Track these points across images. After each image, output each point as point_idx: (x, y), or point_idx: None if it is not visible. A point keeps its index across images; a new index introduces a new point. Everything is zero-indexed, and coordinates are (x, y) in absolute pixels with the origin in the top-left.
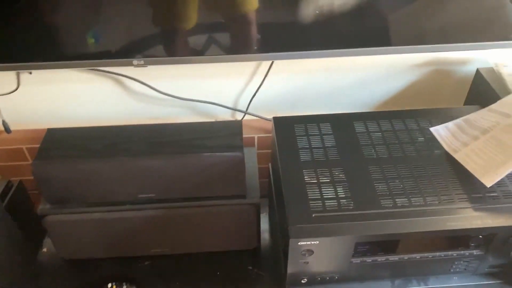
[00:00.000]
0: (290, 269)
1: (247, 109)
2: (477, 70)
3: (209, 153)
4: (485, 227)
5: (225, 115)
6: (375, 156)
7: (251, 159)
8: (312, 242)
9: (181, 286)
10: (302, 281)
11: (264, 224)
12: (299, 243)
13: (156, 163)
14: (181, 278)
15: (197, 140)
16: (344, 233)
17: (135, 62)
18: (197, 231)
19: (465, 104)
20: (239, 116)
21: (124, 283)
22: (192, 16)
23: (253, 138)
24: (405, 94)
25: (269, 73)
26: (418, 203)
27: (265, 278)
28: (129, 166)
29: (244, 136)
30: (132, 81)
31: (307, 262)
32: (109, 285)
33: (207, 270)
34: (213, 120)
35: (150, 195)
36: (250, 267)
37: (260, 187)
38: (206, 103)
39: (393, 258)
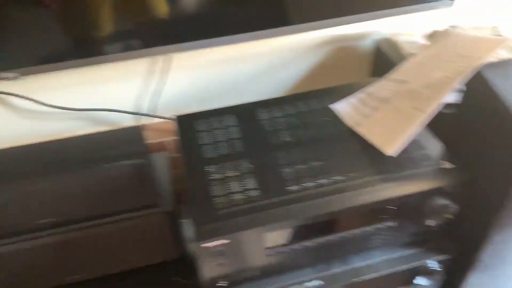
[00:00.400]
0: (205, 274)
1: (151, 112)
2: (376, 42)
3: (109, 164)
4: (394, 197)
5: (129, 122)
6: (281, 142)
7: (162, 164)
8: (221, 242)
9: None
10: (219, 285)
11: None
12: (204, 245)
13: (51, 184)
14: None
15: (96, 152)
16: (251, 227)
17: (2, 75)
18: (111, 249)
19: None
20: (145, 121)
21: None
22: None
23: (162, 142)
24: (311, 76)
25: (171, 70)
26: (325, 183)
27: (191, 287)
28: (21, 190)
29: (153, 141)
30: (16, 98)
31: (221, 264)
32: None
33: None
34: (116, 128)
35: (50, 219)
36: (174, 278)
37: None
38: (103, 111)
39: (308, 243)
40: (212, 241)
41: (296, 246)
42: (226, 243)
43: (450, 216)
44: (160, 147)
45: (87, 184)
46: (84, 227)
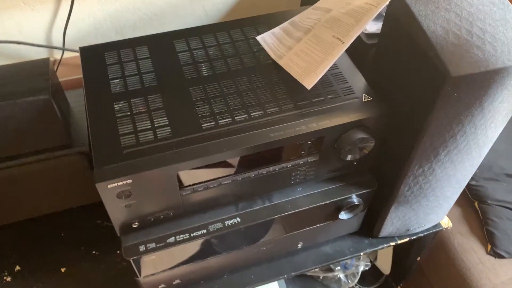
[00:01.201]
0: (113, 216)
1: (63, 45)
2: None
3: (6, 102)
4: (310, 132)
5: (41, 56)
6: (196, 76)
7: (80, 102)
8: (124, 182)
9: (19, 259)
10: (134, 226)
11: None
12: (108, 186)
13: None
14: (18, 249)
15: None
16: (159, 165)
17: None
18: (27, 193)
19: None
20: (59, 56)
21: None
22: None
23: (78, 79)
24: (240, 5)
25: None
26: (242, 119)
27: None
28: None
29: (69, 77)
30: None
31: (130, 205)
32: None
33: (48, 234)
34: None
35: None
36: (99, 221)
37: None
38: (8, 43)
39: (225, 181)
40: (115, 182)
41: (212, 184)
42: (130, 183)
43: (368, 150)
44: (76, 84)
45: None
46: None
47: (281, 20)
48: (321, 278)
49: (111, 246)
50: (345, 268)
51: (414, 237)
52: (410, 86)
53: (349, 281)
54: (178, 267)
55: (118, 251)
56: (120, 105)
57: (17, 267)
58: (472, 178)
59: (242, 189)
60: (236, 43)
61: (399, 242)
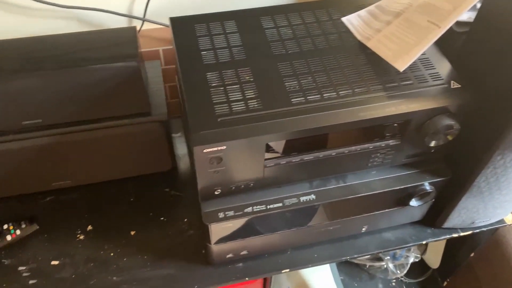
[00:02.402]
0: (200, 181)
1: (144, 15)
2: None
3: (97, 65)
4: (398, 114)
5: (119, 25)
6: (284, 52)
7: (155, 74)
8: (219, 148)
9: (92, 220)
10: (216, 193)
11: (182, 146)
12: (204, 151)
13: (37, 82)
14: (90, 209)
15: (84, 52)
16: (252, 135)
17: None
18: (100, 157)
19: None
20: (138, 27)
21: (22, 222)
22: None
23: (158, 51)
24: None
25: None
26: (331, 97)
27: (183, 199)
28: (5, 88)
29: (146, 49)
30: None
31: (218, 172)
32: (5, 226)
33: (119, 198)
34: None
35: (36, 121)
36: (167, 189)
37: (172, 106)
38: (94, 10)
39: (307, 157)
40: (211, 147)
41: (295, 159)
42: (224, 150)
43: (452, 137)
44: (154, 56)
45: (73, 85)
46: (70, 131)
47: (366, 3)
48: (367, 266)
49: (179, 214)
50: (394, 258)
51: (477, 230)
52: (502, 77)
53: (398, 271)
54: (248, 238)
55: (186, 219)
56: (213, 75)
57: (90, 227)
58: None
59: (321, 167)
60: (321, 23)
61: (462, 234)
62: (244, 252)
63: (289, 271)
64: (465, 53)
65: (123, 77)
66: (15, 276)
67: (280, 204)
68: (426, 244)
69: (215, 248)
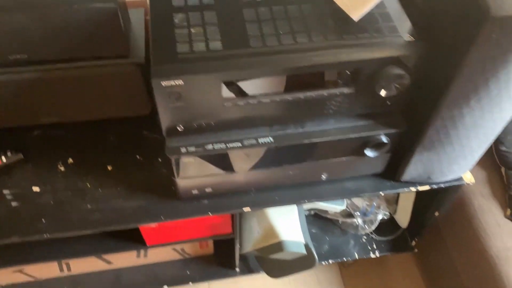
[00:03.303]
0: (162, 116)
1: None
2: None
3: (77, 5)
4: (350, 61)
5: None
6: (251, 0)
7: (138, 20)
8: (176, 83)
9: (73, 154)
10: (179, 129)
11: None
12: (162, 84)
13: (21, 18)
14: (73, 146)
15: None
16: (208, 71)
17: None
18: (83, 96)
19: None
20: None
21: (8, 151)
22: None
23: (144, 1)
24: None
25: None
26: (288, 43)
27: (159, 141)
28: None
29: None
30: None
31: (177, 108)
32: None
33: (100, 137)
34: None
35: (22, 55)
36: (145, 132)
37: None
38: None
39: (264, 99)
40: (169, 80)
41: (252, 100)
42: (182, 85)
43: (402, 88)
44: (140, 4)
45: (57, 24)
46: (53, 68)
47: None
48: (340, 222)
49: (154, 154)
50: (364, 215)
51: (435, 186)
52: (451, 26)
53: (366, 226)
54: (211, 176)
55: (160, 159)
56: (179, 16)
57: (71, 160)
58: (502, 144)
59: (279, 111)
60: None
61: (420, 188)
62: (209, 190)
63: (250, 209)
64: (422, 8)
65: (102, 18)
66: (0, 199)
67: (239, 144)
68: (397, 204)
69: (180, 182)
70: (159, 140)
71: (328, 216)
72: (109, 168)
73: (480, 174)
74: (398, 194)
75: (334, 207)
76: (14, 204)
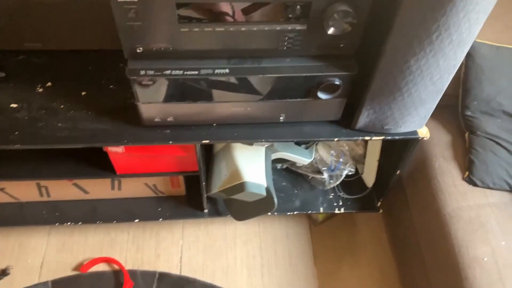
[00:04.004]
0: (121, 35)
1: None
2: None
3: None
4: None
5: None
6: None
7: None
8: None
9: (52, 79)
10: (138, 50)
11: None
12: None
13: None
14: (53, 72)
15: None
16: None
17: None
18: (66, 24)
19: None
20: None
21: None
22: None
23: None
24: None
25: None
26: None
27: None
28: None
29: None
30: None
31: (134, 26)
32: None
33: (80, 66)
34: None
35: None
36: (122, 65)
37: None
38: None
39: (219, 28)
40: None
41: (207, 28)
42: (136, 2)
43: (350, 27)
44: None
45: None
46: None
47: None
48: (309, 178)
49: (127, 86)
50: (331, 170)
51: (389, 137)
52: None
53: (332, 181)
54: (171, 104)
55: (131, 90)
56: None
57: (49, 83)
58: (468, 109)
59: (234, 42)
60: None
61: (374, 138)
62: (171, 119)
63: (208, 142)
64: None
65: None
66: None
67: (196, 72)
68: (363, 164)
69: (142, 107)
70: None
71: (299, 171)
72: (83, 93)
73: (444, 138)
74: (365, 153)
75: (301, 159)
76: None
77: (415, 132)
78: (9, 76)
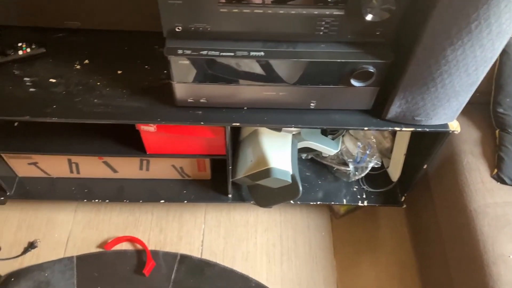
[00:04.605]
0: (162, 14)
1: None
2: None
3: None
4: None
5: None
6: None
7: None
8: None
9: (90, 57)
10: (177, 29)
11: None
12: None
13: None
14: (90, 50)
15: None
16: None
17: None
18: (104, 5)
19: None
20: None
21: (33, 44)
22: None
23: None
24: None
25: None
26: None
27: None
28: None
29: None
30: None
31: (175, 4)
32: (20, 44)
33: (116, 45)
34: None
35: None
36: (157, 46)
37: None
38: None
39: (258, 10)
40: None
41: (246, 9)
42: None
43: (389, 13)
44: None
45: None
46: None
47: None
48: (334, 169)
49: (161, 66)
50: (357, 162)
51: (420, 129)
52: None
53: (357, 173)
54: (204, 84)
55: (165, 71)
56: None
57: (86, 61)
58: (500, 106)
59: (271, 25)
60: None
61: (404, 129)
62: (203, 100)
63: (239, 125)
64: None
65: None
66: (20, 84)
67: (232, 54)
68: (389, 157)
69: (177, 87)
70: None
71: (324, 162)
72: (119, 72)
73: (474, 134)
74: (392, 147)
75: (328, 149)
76: (31, 90)
77: (445, 125)
78: (49, 52)
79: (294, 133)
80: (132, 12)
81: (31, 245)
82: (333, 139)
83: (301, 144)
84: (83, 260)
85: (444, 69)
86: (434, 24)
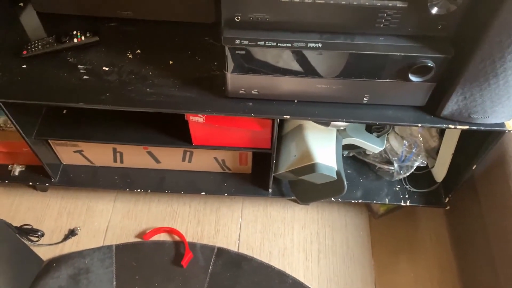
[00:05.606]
0: (223, 1)
1: None
2: None
3: None
4: None
5: None
6: None
7: None
8: None
9: (141, 47)
10: (236, 19)
11: None
12: None
13: None
14: (142, 40)
15: None
16: None
17: None
18: None
19: None
20: None
21: (88, 32)
22: None
23: None
24: None
25: None
26: None
27: (218, 48)
28: None
29: None
30: None
31: None
32: (74, 32)
33: (168, 36)
34: None
35: None
36: (207, 38)
37: None
38: None
39: (319, 0)
40: None
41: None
42: None
43: (455, 7)
44: None
45: None
46: None
47: None
48: (377, 167)
49: (211, 58)
50: (401, 161)
51: (475, 127)
52: None
53: (402, 172)
54: (258, 76)
55: (216, 62)
56: None
57: (138, 50)
58: None
59: (331, 16)
60: None
61: (459, 127)
62: (255, 92)
63: (289, 118)
64: None
65: None
66: (74, 71)
67: (289, 45)
68: (436, 158)
69: (230, 77)
70: (218, 47)
71: (366, 160)
72: (170, 62)
73: None
74: (438, 146)
75: (373, 146)
76: (85, 77)
77: (502, 124)
78: (102, 41)
79: (342, 128)
80: (184, 3)
81: (72, 232)
82: (378, 136)
83: (345, 141)
84: (122, 249)
85: (509, 64)
86: (503, 18)
